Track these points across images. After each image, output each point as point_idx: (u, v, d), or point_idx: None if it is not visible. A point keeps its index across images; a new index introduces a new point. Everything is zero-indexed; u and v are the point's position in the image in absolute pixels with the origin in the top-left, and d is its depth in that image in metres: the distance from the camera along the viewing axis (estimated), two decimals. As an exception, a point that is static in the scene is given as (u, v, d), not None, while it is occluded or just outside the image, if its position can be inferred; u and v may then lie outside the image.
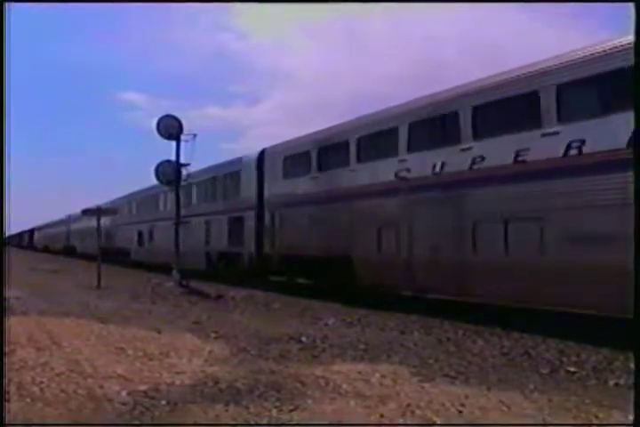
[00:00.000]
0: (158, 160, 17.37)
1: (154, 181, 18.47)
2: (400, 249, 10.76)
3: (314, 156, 13.59)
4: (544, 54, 9.01)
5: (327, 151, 13.30)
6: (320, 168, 13.42)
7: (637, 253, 4.68)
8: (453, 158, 9.69)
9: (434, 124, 10.45)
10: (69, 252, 43.53)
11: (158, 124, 16.46)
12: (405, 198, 10.66)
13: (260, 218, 15.77)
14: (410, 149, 10.71)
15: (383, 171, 11.23)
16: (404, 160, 10.77)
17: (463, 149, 9.49)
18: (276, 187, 15.17)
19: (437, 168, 9.96)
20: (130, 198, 30.21)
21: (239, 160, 17.70)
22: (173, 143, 16.67)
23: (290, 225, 14.49)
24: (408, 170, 10.63)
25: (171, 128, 16.42)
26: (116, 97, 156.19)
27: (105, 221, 29.57)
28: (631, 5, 4.36)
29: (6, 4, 5.53)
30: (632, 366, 5.61)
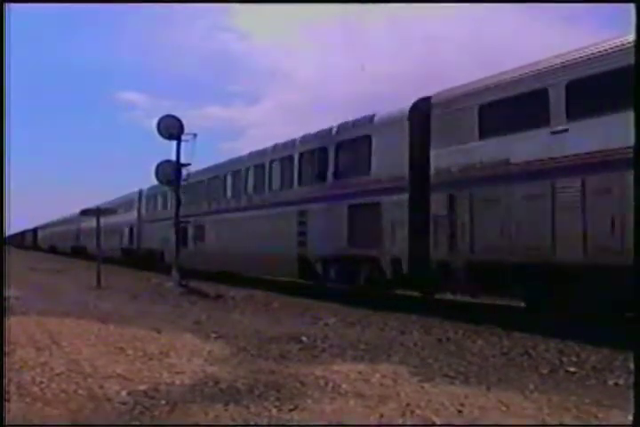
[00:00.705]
0: (158, 160, 17.36)
1: (158, 180, 17.71)
2: None
3: (559, 95, 8.35)
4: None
5: (597, 84, 7.96)
6: (574, 115, 8.19)
7: (637, 253, 4.70)
8: None
9: None
10: (79, 253, 39.74)
11: (159, 124, 16.44)
12: None
13: (416, 204, 10.77)
14: None
15: None
16: None
17: None
18: (463, 154, 9.90)
19: None
20: (164, 188, 22.02)
21: (368, 120, 12.37)
22: (173, 143, 16.67)
23: (497, 214, 9.23)
24: None
25: (171, 128, 16.41)
26: (116, 97, 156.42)
27: (128, 216, 28.85)
28: (631, 6, 4.36)
29: (6, 4, 5.55)
30: (632, 365, 5.61)
